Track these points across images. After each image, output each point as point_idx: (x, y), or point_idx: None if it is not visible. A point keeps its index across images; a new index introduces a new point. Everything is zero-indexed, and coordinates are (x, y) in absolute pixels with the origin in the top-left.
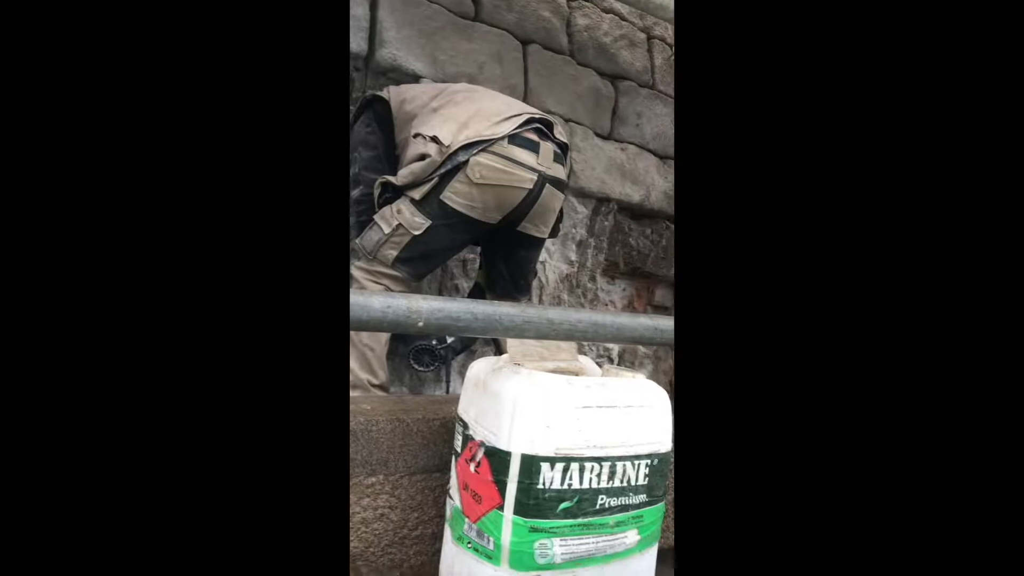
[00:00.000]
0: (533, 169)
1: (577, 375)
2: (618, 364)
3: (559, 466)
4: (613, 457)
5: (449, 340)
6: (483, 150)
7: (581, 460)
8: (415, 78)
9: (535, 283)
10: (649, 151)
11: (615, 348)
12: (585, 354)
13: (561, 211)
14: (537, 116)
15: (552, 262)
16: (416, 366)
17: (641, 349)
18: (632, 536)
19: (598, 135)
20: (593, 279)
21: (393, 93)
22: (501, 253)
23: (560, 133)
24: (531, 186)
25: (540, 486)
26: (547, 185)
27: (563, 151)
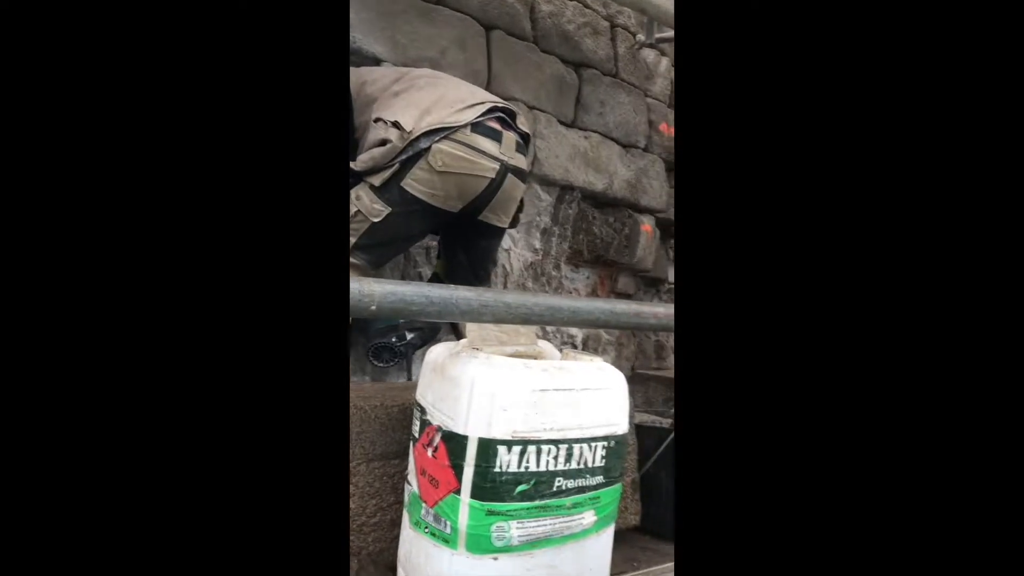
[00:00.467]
0: (495, 158)
1: (536, 359)
2: (581, 350)
3: (516, 449)
4: (570, 439)
5: (409, 336)
6: (445, 137)
7: (538, 443)
8: (375, 61)
9: (499, 271)
10: (612, 139)
11: (579, 335)
12: (549, 341)
13: (522, 201)
14: (500, 105)
15: (516, 250)
16: (375, 363)
17: (604, 335)
18: (589, 517)
19: (561, 123)
20: (557, 267)
21: (353, 75)
22: (461, 242)
23: (522, 123)
24: (493, 175)
25: (497, 469)
26: (509, 175)
27: (525, 141)
